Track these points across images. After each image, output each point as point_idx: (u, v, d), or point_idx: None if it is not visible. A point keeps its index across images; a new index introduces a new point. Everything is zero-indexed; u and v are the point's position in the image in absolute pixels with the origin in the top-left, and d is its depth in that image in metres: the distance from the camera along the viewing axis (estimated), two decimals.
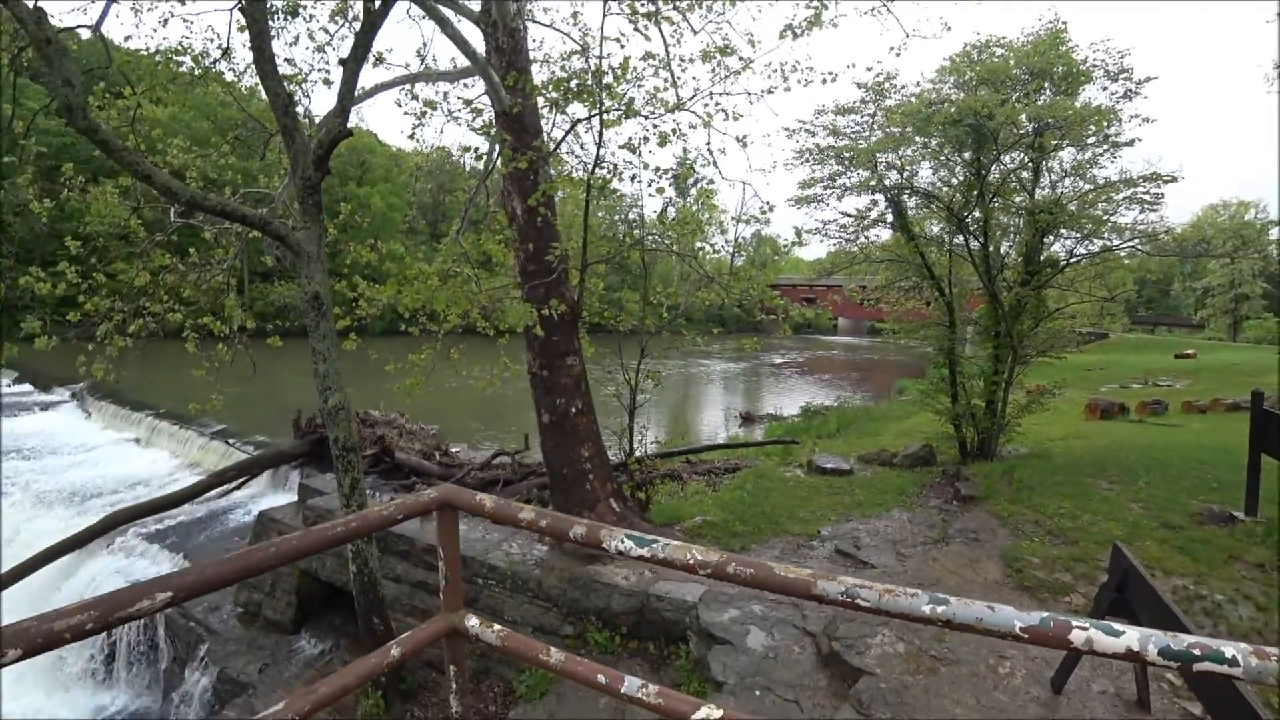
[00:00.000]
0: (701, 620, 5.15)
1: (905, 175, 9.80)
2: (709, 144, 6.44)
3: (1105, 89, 9.35)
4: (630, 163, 6.46)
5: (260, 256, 10.63)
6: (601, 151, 6.11)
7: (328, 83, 8.20)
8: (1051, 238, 9.74)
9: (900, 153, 9.56)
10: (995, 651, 4.55)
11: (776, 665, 4.68)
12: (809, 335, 68.35)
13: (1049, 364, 10.49)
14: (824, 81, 7.71)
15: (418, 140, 7.95)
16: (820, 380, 35.87)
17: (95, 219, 10.48)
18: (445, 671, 6.21)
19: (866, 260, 10.68)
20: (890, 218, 10.01)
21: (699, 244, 7.79)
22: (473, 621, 2.35)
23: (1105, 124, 8.79)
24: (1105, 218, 9.11)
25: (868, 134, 9.90)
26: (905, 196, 9.92)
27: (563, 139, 6.58)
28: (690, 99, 6.26)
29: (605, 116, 5.79)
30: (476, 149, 6.29)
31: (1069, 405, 15.04)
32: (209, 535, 11.69)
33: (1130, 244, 9.38)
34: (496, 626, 2.33)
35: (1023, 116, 8.83)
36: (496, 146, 6.48)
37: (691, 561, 1.62)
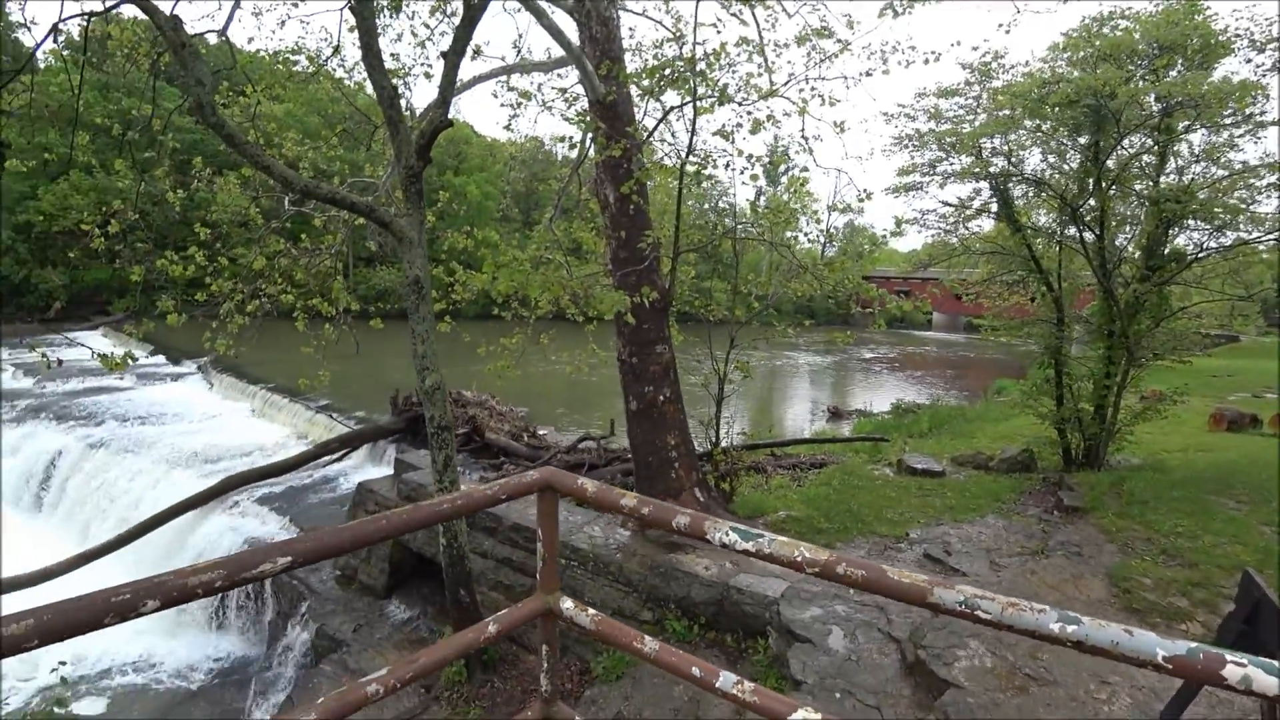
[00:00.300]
0: (783, 616, 5.09)
1: (1012, 161, 9.21)
2: (803, 131, 6.29)
3: (1249, 61, 8.42)
4: (723, 150, 6.39)
5: (364, 242, 11.23)
6: (694, 139, 6.07)
7: (428, 76, 8.51)
8: (1177, 229, 8.92)
9: (1008, 137, 8.98)
10: (1096, 675, 4.26)
11: (858, 669, 4.56)
12: (902, 330, 65.80)
13: (1169, 369, 9.63)
14: (926, 62, 7.35)
15: (513, 130, 8.16)
16: (912, 377, 34.50)
17: (220, 208, 11.34)
18: (532, 648, 6.43)
19: (966, 252, 10.12)
20: (994, 207, 9.44)
21: (790, 233, 7.62)
22: (568, 604, 2.40)
23: (1248, 100, 7.92)
24: (1243, 207, 8.25)
25: (972, 117, 9.36)
26: (1012, 184, 9.33)
27: (656, 127, 6.57)
28: (784, 85, 6.12)
29: (698, 104, 5.73)
30: (570, 137, 6.40)
31: (1191, 414, 13.82)
32: (312, 501, 12.50)
33: (1272, 237, 8.47)
34: (591, 611, 2.37)
35: (1149, 96, 8.11)
36: (590, 135, 6.56)
37: (799, 559, 1.58)
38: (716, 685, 1.92)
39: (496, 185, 48.41)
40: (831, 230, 7.89)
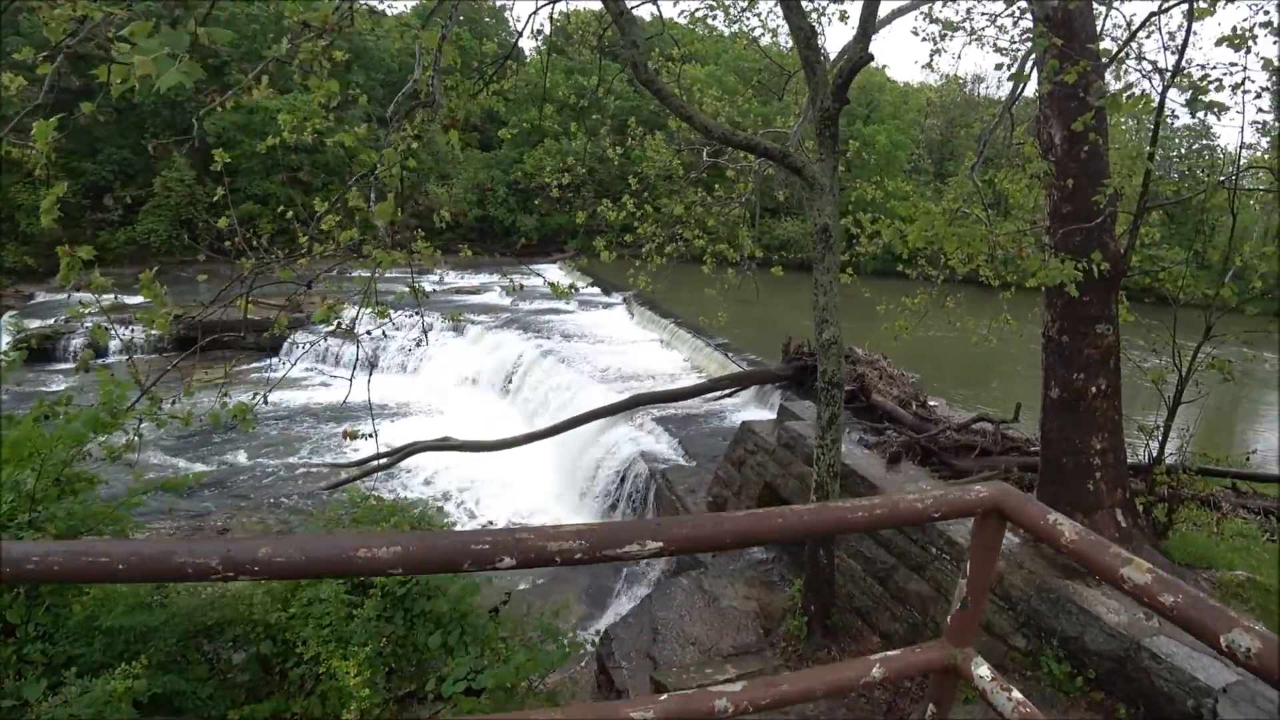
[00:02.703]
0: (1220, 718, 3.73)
1: None
2: None
3: None
4: (1233, 65, 4.62)
5: (772, 193, 11.58)
6: (1183, 54, 4.52)
7: (844, 18, 8.07)
8: None
9: None
10: None
11: None
12: None
13: None
14: None
15: (934, 67, 7.33)
16: None
17: (649, 163, 12.86)
18: (881, 630, 6.05)
19: None
20: None
21: None
22: (983, 671, 1.86)
23: None
24: None
25: None
26: None
27: (1130, 37, 5.06)
28: None
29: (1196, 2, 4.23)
30: (1007, 62, 5.30)
31: None
32: (699, 429, 13.80)
33: None
34: (1015, 695, 1.79)
35: None
36: (1033, 60, 5.38)
37: None
38: None
39: (908, 134, 45.10)
40: None
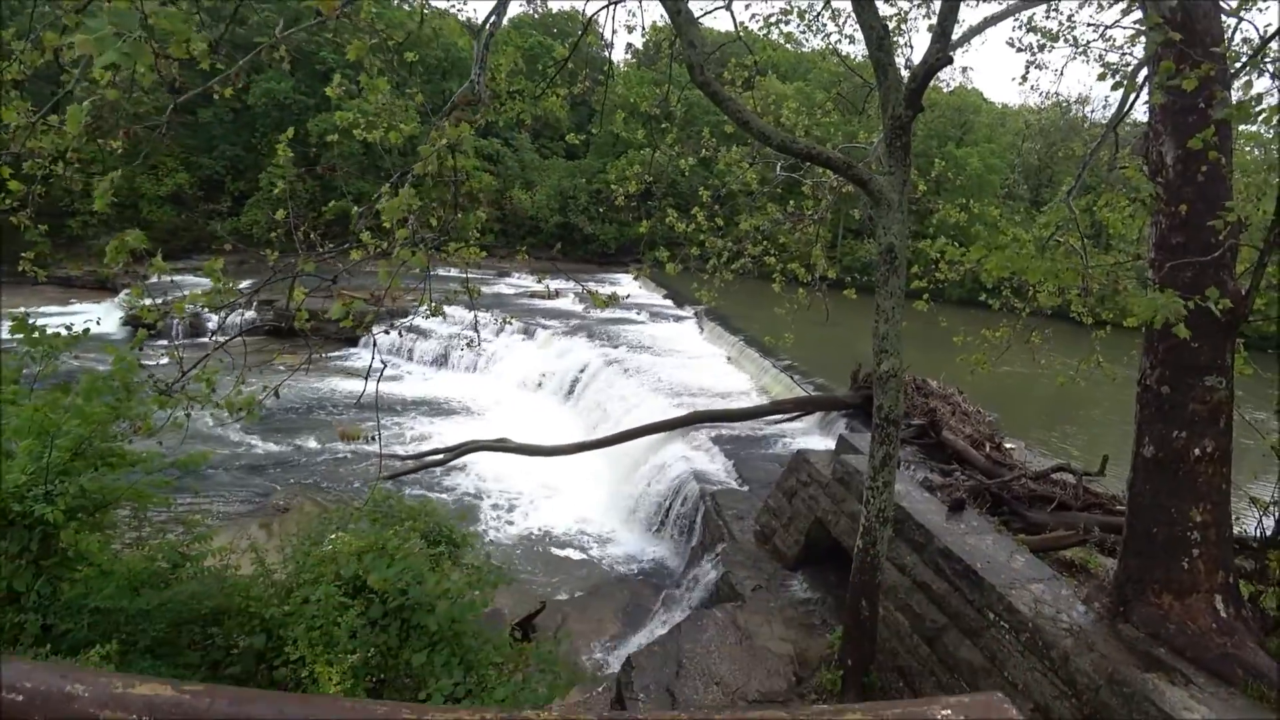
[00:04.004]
0: None
1: None
2: None
3: None
4: None
5: (854, 213, 11.05)
6: None
7: (929, 19, 7.52)
8: None
9: None
10: None
11: None
12: None
13: None
14: None
15: (1031, 84, 6.75)
16: None
17: (724, 176, 12.53)
18: (921, 693, 5.44)
19: None
20: None
21: None
22: None
23: None
24: None
25: None
26: None
27: (1267, 41, 4.33)
28: None
29: None
30: (1117, 69, 4.65)
31: None
32: (756, 452, 13.26)
33: None
34: None
35: None
36: (1147, 68, 4.73)
37: None
38: None
39: (1004, 158, 42.76)
40: None
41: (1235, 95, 4.39)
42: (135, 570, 3.68)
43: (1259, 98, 3.44)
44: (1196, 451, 4.38)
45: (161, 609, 3.60)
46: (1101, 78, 4.19)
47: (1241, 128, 5.96)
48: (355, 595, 3.99)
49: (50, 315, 20.49)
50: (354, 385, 19.49)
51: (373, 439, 16.12)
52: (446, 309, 4.70)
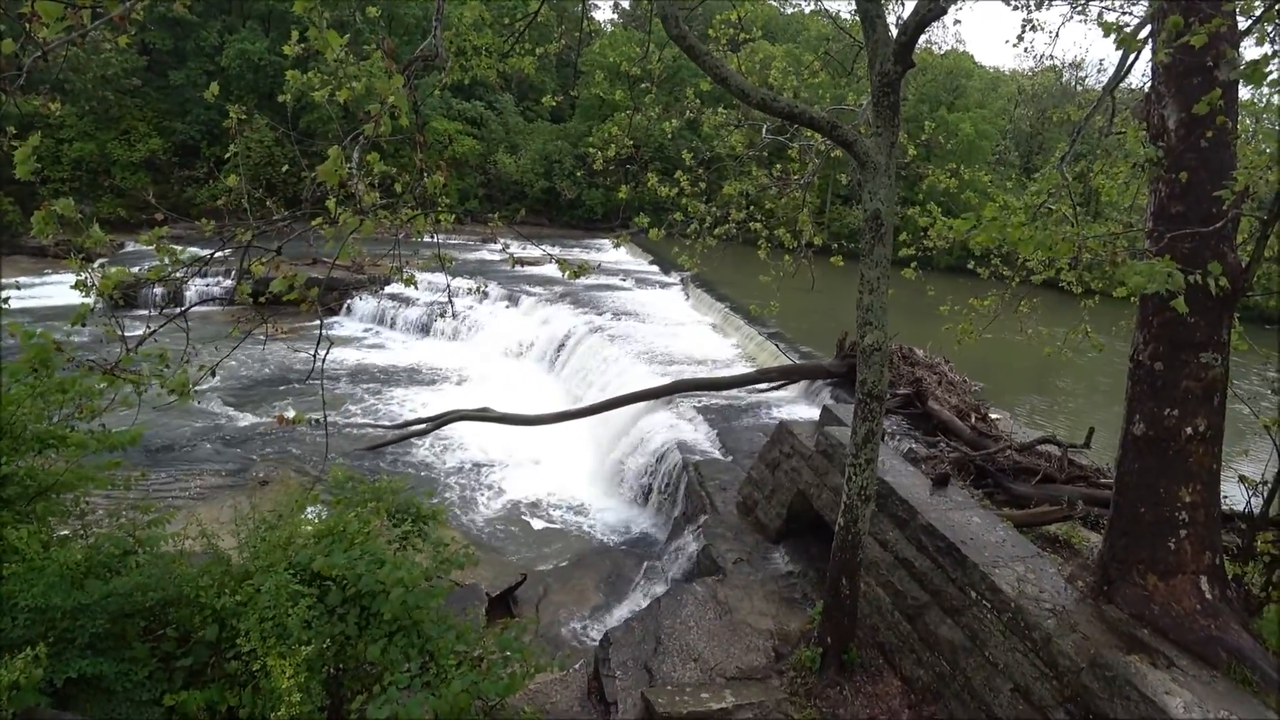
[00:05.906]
0: None
1: None
2: None
3: None
4: None
5: (844, 180, 10.74)
6: None
7: None
8: None
9: None
10: None
11: None
12: None
13: None
14: None
15: (1025, 47, 6.38)
16: None
17: (709, 139, 12.13)
18: (901, 673, 5.34)
19: None
20: None
21: None
22: None
23: None
24: None
25: None
26: None
27: None
28: None
29: None
30: (1118, 25, 4.35)
31: None
32: (740, 422, 13.13)
33: None
34: None
35: None
36: (1151, 26, 4.45)
37: None
38: None
39: (995, 124, 42.20)
40: None
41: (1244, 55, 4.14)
42: (75, 562, 3.47)
43: (1270, 57, 3.18)
44: (1188, 430, 4.24)
45: (103, 602, 3.40)
46: (1107, 32, 3.90)
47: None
48: (312, 582, 3.81)
49: (27, 288, 19.92)
50: (338, 354, 19.13)
51: (318, 422, 15.86)
52: (429, 276, 4.43)
